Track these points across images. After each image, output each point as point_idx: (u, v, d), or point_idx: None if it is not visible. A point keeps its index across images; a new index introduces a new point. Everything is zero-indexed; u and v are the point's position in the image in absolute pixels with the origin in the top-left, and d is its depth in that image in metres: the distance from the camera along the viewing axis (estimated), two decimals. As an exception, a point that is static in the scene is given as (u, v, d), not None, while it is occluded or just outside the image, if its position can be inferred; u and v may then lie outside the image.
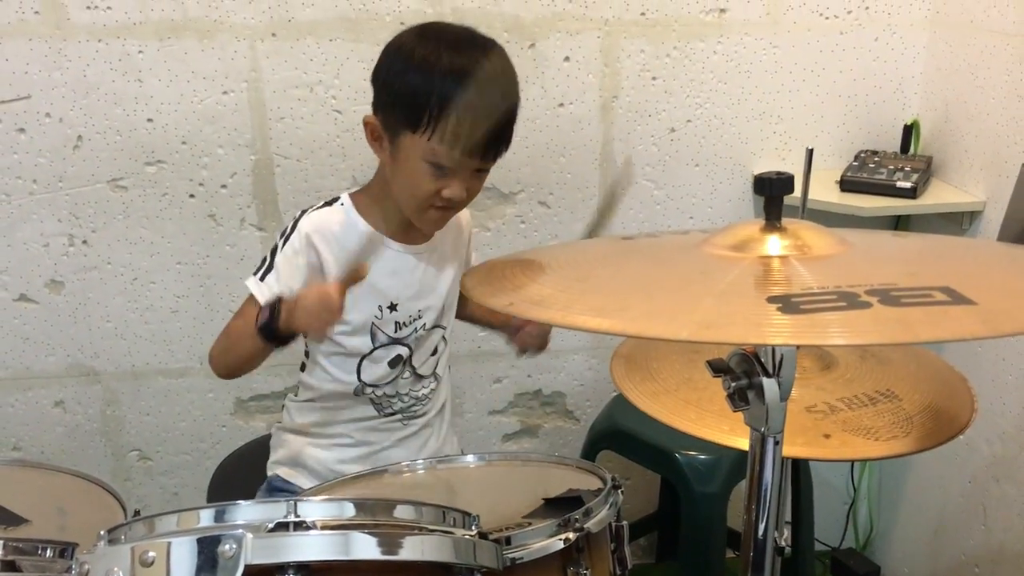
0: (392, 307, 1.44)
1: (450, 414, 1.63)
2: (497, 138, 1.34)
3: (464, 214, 1.55)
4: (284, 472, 1.55)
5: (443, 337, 1.54)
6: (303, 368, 1.53)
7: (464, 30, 1.37)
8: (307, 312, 1.27)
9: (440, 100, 1.28)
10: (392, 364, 1.48)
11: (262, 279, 1.39)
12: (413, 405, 1.53)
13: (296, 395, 1.56)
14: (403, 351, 1.48)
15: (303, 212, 1.42)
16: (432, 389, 1.55)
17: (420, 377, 1.52)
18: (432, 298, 1.48)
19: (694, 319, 0.82)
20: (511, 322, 1.57)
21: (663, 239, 1.18)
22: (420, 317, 1.47)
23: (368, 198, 1.44)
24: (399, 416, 1.52)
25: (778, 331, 0.79)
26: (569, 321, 0.86)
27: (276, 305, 1.29)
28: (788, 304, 0.82)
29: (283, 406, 1.60)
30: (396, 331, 1.46)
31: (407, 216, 1.40)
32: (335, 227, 1.40)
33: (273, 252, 1.41)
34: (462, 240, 1.55)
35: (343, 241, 1.39)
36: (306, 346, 1.50)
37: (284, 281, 1.38)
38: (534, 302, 0.91)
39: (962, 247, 1.19)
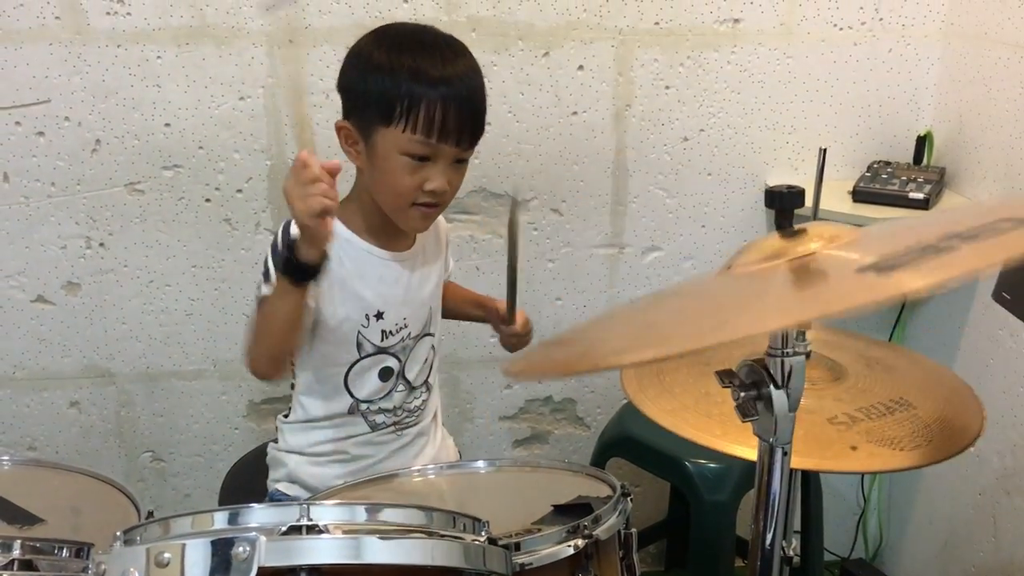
0: (379, 315, 1.42)
1: (441, 418, 1.62)
2: (471, 121, 1.34)
3: (441, 219, 1.54)
4: (284, 487, 1.53)
5: (432, 346, 1.52)
6: (292, 388, 1.50)
7: (418, 25, 1.40)
8: (294, 195, 1.21)
9: (409, 88, 1.29)
10: (383, 377, 1.46)
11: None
12: (407, 417, 1.52)
13: (287, 416, 1.53)
14: (392, 362, 1.46)
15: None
16: (424, 400, 1.53)
17: (413, 388, 1.50)
18: (417, 305, 1.47)
19: (770, 306, 0.79)
20: (489, 307, 1.60)
21: (687, 285, 1.15)
22: (406, 326, 1.45)
23: (349, 209, 1.41)
24: (392, 428, 1.51)
25: (898, 283, 0.73)
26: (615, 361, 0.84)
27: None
28: (880, 268, 0.75)
29: (276, 427, 1.57)
30: (382, 340, 1.44)
31: (392, 218, 1.39)
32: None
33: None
34: (441, 245, 1.55)
35: (335, 249, 1.32)
36: (293, 363, 1.45)
37: None
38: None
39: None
